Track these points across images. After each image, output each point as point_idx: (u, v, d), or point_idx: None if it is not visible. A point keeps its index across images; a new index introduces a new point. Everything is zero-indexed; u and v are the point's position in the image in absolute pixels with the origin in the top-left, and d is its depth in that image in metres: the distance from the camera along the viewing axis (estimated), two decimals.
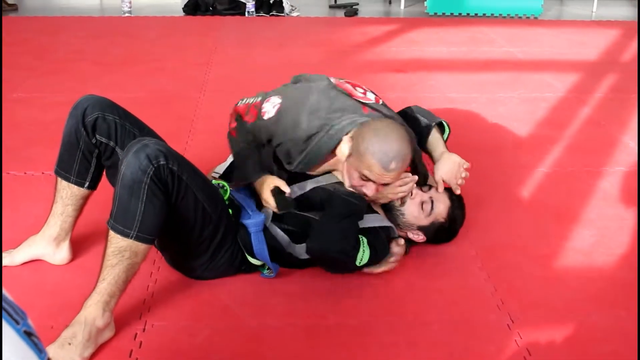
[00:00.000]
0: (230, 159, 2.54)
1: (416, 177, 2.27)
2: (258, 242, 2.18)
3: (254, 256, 2.20)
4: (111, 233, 1.92)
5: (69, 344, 1.84)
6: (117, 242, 1.91)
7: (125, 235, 1.90)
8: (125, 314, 2.05)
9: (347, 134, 2.16)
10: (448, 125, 2.50)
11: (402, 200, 2.32)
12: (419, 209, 2.32)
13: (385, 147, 2.03)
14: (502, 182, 3.05)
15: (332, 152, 2.23)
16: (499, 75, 4.65)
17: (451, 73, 4.70)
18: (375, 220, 2.28)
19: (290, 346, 1.98)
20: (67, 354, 1.83)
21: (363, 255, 2.16)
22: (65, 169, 2.25)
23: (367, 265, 2.21)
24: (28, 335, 0.84)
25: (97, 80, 4.29)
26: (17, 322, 0.83)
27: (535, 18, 6.62)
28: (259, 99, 2.31)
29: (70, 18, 6.10)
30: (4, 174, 2.94)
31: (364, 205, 2.22)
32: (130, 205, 1.89)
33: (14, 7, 6.40)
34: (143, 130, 2.27)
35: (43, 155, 3.11)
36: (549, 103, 4.11)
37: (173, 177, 1.94)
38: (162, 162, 1.91)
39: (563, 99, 4.22)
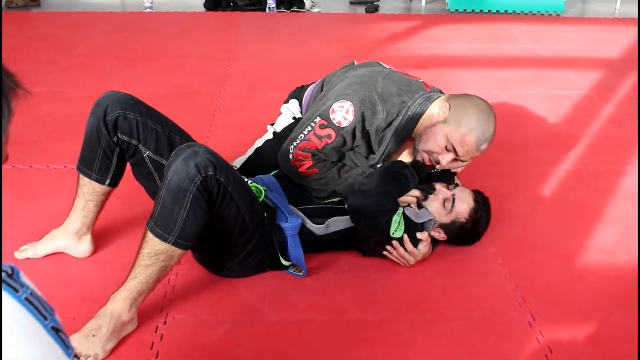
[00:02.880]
0: (249, 152, 2.54)
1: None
2: (294, 246, 2.18)
3: (287, 258, 2.21)
4: (149, 235, 1.92)
5: (93, 335, 1.86)
6: (155, 245, 1.91)
7: (163, 239, 1.90)
8: (147, 307, 2.06)
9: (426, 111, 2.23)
10: None
11: (425, 196, 2.32)
12: (441, 206, 2.31)
13: (486, 127, 2.13)
14: (524, 180, 3.03)
15: (411, 136, 2.26)
16: (521, 73, 4.61)
17: (472, 70, 4.67)
18: (422, 217, 2.30)
19: (310, 341, 1.98)
20: (91, 346, 1.85)
21: (398, 227, 2.19)
22: (86, 166, 2.26)
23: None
24: (55, 331, 0.84)
25: (118, 75, 4.31)
26: (45, 318, 0.83)
27: (558, 15, 6.57)
28: (317, 119, 2.25)
29: (91, 13, 6.14)
30: (26, 168, 2.97)
31: (413, 177, 2.26)
32: (173, 212, 1.88)
33: (36, 3, 6.44)
34: (166, 126, 2.27)
35: (65, 149, 3.13)
36: (572, 101, 4.08)
37: (219, 188, 1.93)
38: (210, 173, 1.89)
39: (585, 96, 4.18)
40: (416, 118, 2.22)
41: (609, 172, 3.14)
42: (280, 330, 2.02)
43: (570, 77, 4.54)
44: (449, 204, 2.30)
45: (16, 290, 0.82)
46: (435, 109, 2.19)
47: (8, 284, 0.81)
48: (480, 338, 2.01)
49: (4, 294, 0.80)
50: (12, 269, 0.84)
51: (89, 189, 2.27)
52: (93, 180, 2.26)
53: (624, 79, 4.51)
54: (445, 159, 2.20)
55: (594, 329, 2.07)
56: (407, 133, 2.24)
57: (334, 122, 2.22)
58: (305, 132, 2.27)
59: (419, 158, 2.26)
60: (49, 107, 3.71)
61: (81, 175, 2.28)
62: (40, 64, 4.48)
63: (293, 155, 2.29)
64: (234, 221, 2.04)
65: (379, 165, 2.32)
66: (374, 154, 2.31)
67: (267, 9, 6.41)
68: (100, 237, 2.41)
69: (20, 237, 2.41)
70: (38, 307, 0.83)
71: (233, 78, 4.33)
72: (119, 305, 1.90)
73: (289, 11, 6.47)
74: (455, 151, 2.17)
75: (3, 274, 0.82)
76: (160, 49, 5.01)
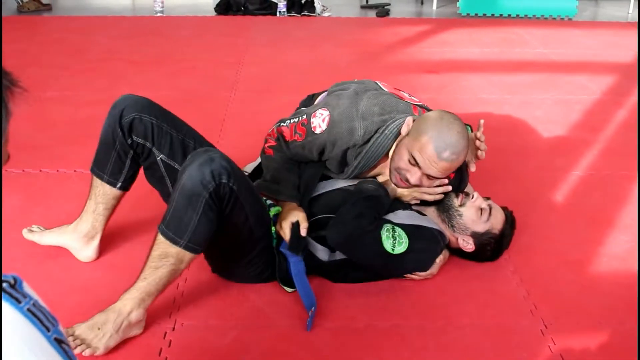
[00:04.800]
0: (260, 159, 2.53)
1: (450, 187, 2.26)
2: (297, 273, 2.13)
3: (290, 285, 2.18)
4: (160, 237, 1.93)
5: (98, 329, 1.90)
6: (165, 248, 1.92)
7: (175, 243, 1.91)
8: (155, 313, 2.06)
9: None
10: (469, 126, 2.42)
11: (462, 201, 2.27)
12: (478, 214, 2.25)
13: (445, 133, 2.05)
14: (536, 186, 3.00)
15: (387, 153, 2.23)
16: (533, 77, 4.58)
17: (484, 74, 4.65)
18: (422, 220, 2.25)
19: (319, 348, 1.97)
20: (94, 339, 1.89)
21: (395, 242, 2.10)
22: (99, 168, 2.27)
23: (412, 266, 2.20)
24: (58, 343, 0.83)
25: (129, 79, 4.31)
26: (48, 329, 0.82)
27: (570, 19, 6.53)
28: (304, 116, 2.30)
29: (103, 18, 6.15)
30: (36, 172, 2.97)
31: (386, 194, 2.21)
32: (185, 216, 1.89)
33: (47, 7, 6.47)
34: (181, 131, 2.27)
35: (75, 153, 3.13)
36: (584, 105, 4.05)
37: (231, 195, 1.93)
38: (224, 181, 1.90)
39: (598, 101, 4.15)
40: (392, 137, 2.19)
41: (622, 177, 3.11)
42: (289, 336, 2.01)
43: (582, 82, 4.51)
44: (485, 213, 2.25)
45: (18, 301, 0.80)
46: (405, 128, 2.16)
47: (10, 295, 0.80)
48: (491, 346, 1.99)
49: (6, 305, 0.79)
50: (15, 279, 0.83)
51: (100, 191, 2.28)
52: (105, 182, 2.27)
53: (637, 83, 4.47)
54: (414, 175, 2.13)
55: (607, 338, 2.04)
56: (382, 150, 2.22)
57: (311, 125, 2.26)
58: (290, 121, 2.33)
59: (392, 179, 2.22)
60: (60, 111, 3.71)
61: (94, 177, 2.29)
62: (52, 68, 4.49)
63: (270, 132, 2.37)
64: (240, 229, 2.04)
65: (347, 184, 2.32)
66: (345, 171, 2.30)
67: (277, 13, 6.41)
68: (109, 241, 2.41)
69: (29, 242, 2.41)
70: (41, 319, 0.82)
71: (243, 82, 4.32)
72: (128, 304, 1.92)
73: (299, 15, 6.46)
74: (417, 164, 2.10)
75: (5, 284, 0.81)
76: (171, 53, 5.01)
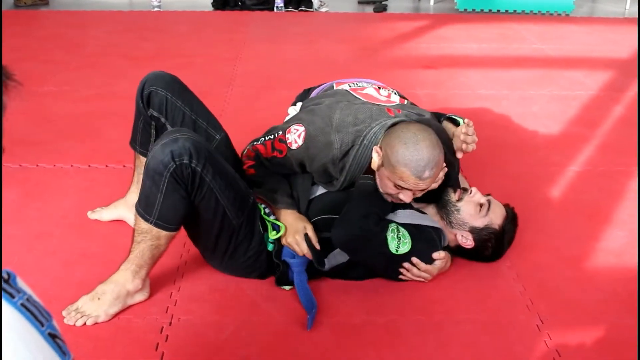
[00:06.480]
0: None
1: (446, 169, 2.16)
2: (300, 284, 2.14)
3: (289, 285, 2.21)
4: (136, 214, 2.02)
5: (98, 299, 2.02)
6: (140, 224, 2.01)
7: (145, 220, 2.00)
8: (152, 308, 2.06)
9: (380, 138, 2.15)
10: (463, 119, 2.35)
11: (460, 196, 2.25)
12: (476, 209, 2.23)
13: (416, 156, 1.99)
14: (533, 181, 3.01)
15: (371, 163, 2.21)
16: (530, 73, 4.58)
17: (481, 70, 4.64)
18: (423, 219, 2.23)
19: (317, 343, 1.97)
20: (95, 307, 2.01)
21: (400, 243, 2.10)
22: (133, 139, 2.42)
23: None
24: (52, 337, 0.83)
25: (127, 75, 4.29)
26: (42, 324, 0.82)
27: (567, 15, 6.52)
28: (279, 132, 2.26)
29: (100, 12, 6.13)
30: (33, 167, 2.96)
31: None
32: (151, 194, 1.97)
33: (45, 1, 6.44)
34: (196, 110, 2.33)
35: (73, 148, 3.13)
36: (581, 101, 4.05)
37: (194, 177, 1.96)
38: (185, 161, 1.93)
39: (595, 97, 4.15)
40: (372, 147, 2.15)
41: (619, 173, 3.11)
42: (287, 332, 2.01)
43: (579, 78, 4.51)
44: (484, 208, 2.23)
45: (12, 296, 0.80)
46: (375, 156, 2.12)
47: (4, 290, 0.80)
48: (487, 341, 2.00)
49: None
50: (9, 274, 0.82)
51: (139, 163, 2.39)
52: (138, 153, 2.38)
53: (634, 79, 4.47)
54: (406, 196, 2.09)
55: (603, 333, 2.05)
56: (365, 161, 2.18)
57: (287, 141, 2.23)
58: (266, 138, 2.29)
59: (388, 200, 2.18)
60: (57, 106, 3.70)
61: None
62: (49, 63, 4.48)
63: (246, 152, 2.36)
64: (213, 214, 2.05)
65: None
66: (334, 184, 2.27)
67: (275, 9, 6.40)
68: (107, 236, 2.41)
69: (27, 237, 2.41)
70: (35, 313, 0.81)
71: (241, 78, 4.32)
72: (123, 274, 2.04)
73: (297, 10, 6.45)
74: (405, 188, 2.06)
75: None
76: (169, 48, 4.99)
